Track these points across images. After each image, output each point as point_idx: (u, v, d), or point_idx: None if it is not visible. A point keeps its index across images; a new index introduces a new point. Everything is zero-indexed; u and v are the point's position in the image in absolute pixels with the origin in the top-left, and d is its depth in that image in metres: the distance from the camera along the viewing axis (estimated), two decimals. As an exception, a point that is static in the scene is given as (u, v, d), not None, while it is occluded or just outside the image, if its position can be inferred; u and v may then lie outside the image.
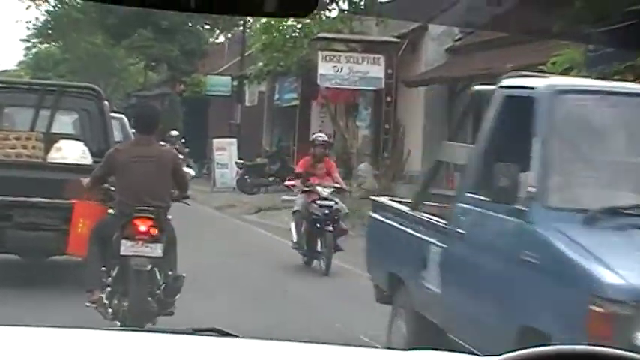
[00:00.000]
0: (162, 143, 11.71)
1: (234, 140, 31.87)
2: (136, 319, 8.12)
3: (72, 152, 11.70)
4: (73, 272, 11.20)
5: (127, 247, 8.29)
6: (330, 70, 23.48)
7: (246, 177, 29.86)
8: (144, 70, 49.73)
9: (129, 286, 8.34)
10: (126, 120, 17.79)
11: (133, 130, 12.20)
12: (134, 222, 8.31)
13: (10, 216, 11.11)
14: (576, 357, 1.56)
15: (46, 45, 58.03)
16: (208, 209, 26.84)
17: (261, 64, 28.38)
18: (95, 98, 12.36)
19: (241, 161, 30.49)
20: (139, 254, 8.28)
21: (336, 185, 14.80)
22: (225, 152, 31.37)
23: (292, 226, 14.92)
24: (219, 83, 35.57)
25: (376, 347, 2.79)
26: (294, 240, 14.73)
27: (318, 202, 14.20)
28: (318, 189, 14.33)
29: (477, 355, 2.34)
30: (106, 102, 12.61)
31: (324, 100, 26.24)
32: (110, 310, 8.49)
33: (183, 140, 40.02)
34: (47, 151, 11.84)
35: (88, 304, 8.59)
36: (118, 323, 8.33)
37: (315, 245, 14.35)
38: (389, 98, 23.78)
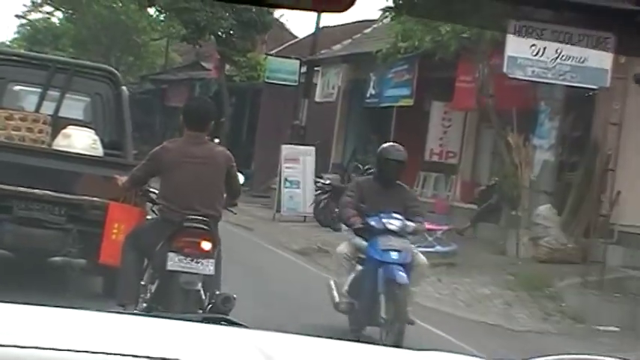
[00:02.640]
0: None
1: (312, 149, 22.50)
2: None
3: (81, 141, 10.48)
4: (77, 276, 10.27)
5: (174, 262, 7.40)
6: (527, 51, 14.10)
7: (331, 204, 20.47)
8: (166, 50, 40.79)
9: (172, 306, 7.31)
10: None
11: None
12: (184, 233, 7.46)
13: (9, 208, 9.78)
14: None
15: (45, 15, 49.81)
16: (282, 252, 17.59)
17: (369, 25, 18.89)
18: (111, 82, 11.29)
19: (326, 181, 21.14)
20: (189, 271, 7.39)
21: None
22: (298, 165, 22.04)
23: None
24: (284, 68, 26.19)
25: (388, 346, 2.73)
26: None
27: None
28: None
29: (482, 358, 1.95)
30: (124, 87, 11.46)
31: (478, 102, 16.94)
32: None
33: (217, 140, 31.09)
34: (54, 137, 10.64)
35: None
36: None
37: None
38: (616, 105, 14.40)
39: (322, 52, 26.84)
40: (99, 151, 10.45)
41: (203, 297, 7.50)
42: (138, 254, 7.87)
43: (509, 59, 14.24)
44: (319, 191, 21.06)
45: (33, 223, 9.73)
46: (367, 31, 26.27)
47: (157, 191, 8.05)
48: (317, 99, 26.10)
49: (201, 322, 2.41)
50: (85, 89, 11.44)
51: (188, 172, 7.61)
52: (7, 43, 63.05)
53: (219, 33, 25.63)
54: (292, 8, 1.75)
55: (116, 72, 11.79)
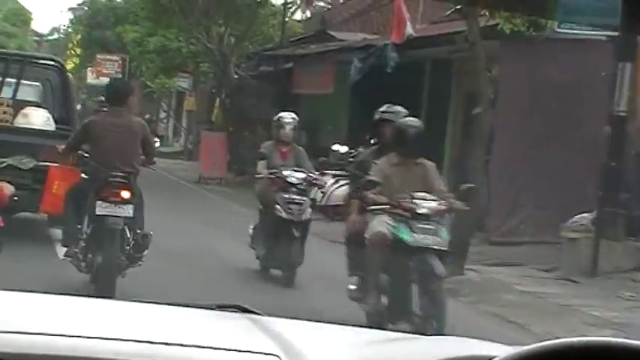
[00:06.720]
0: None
1: None
2: (107, 272, 9.15)
3: (37, 119, 12.88)
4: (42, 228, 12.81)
5: (101, 208, 9.25)
6: None
7: None
8: (283, 14, 28.56)
9: (103, 243, 9.32)
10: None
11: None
12: (109, 185, 9.31)
13: None
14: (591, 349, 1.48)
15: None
16: None
17: None
18: (58, 70, 13.96)
19: None
20: (113, 214, 9.25)
21: None
22: None
23: None
24: (594, 5, 13.53)
25: (400, 332, 2.60)
26: None
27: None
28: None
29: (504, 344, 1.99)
30: (69, 74, 14.57)
31: None
32: (83, 263, 9.51)
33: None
34: (14, 116, 12.99)
35: (63, 257, 9.68)
36: (89, 276, 9.44)
37: None
38: None
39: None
40: (52, 126, 12.88)
41: (128, 235, 9.42)
42: (75, 205, 9.72)
43: None
44: None
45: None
46: None
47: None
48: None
49: (214, 309, 2.44)
50: (37, 76, 13.99)
51: (111, 139, 9.53)
52: (64, 27, 57.57)
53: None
54: None
55: (61, 61, 15.42)
